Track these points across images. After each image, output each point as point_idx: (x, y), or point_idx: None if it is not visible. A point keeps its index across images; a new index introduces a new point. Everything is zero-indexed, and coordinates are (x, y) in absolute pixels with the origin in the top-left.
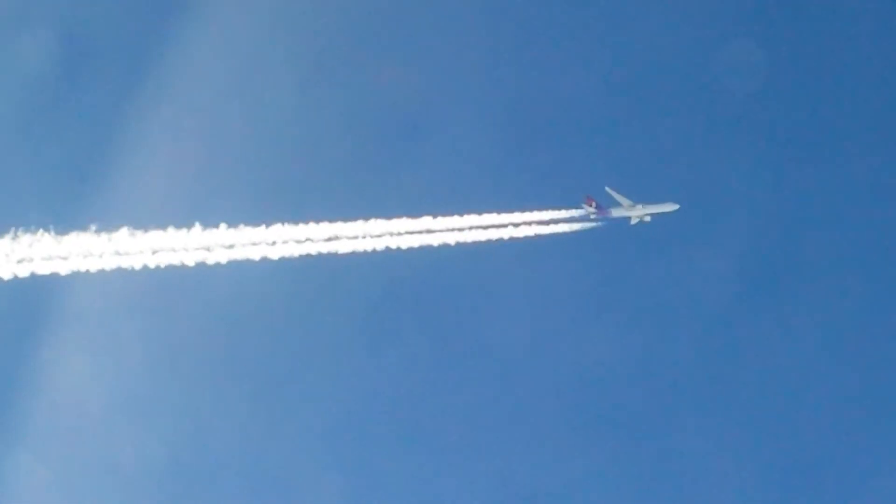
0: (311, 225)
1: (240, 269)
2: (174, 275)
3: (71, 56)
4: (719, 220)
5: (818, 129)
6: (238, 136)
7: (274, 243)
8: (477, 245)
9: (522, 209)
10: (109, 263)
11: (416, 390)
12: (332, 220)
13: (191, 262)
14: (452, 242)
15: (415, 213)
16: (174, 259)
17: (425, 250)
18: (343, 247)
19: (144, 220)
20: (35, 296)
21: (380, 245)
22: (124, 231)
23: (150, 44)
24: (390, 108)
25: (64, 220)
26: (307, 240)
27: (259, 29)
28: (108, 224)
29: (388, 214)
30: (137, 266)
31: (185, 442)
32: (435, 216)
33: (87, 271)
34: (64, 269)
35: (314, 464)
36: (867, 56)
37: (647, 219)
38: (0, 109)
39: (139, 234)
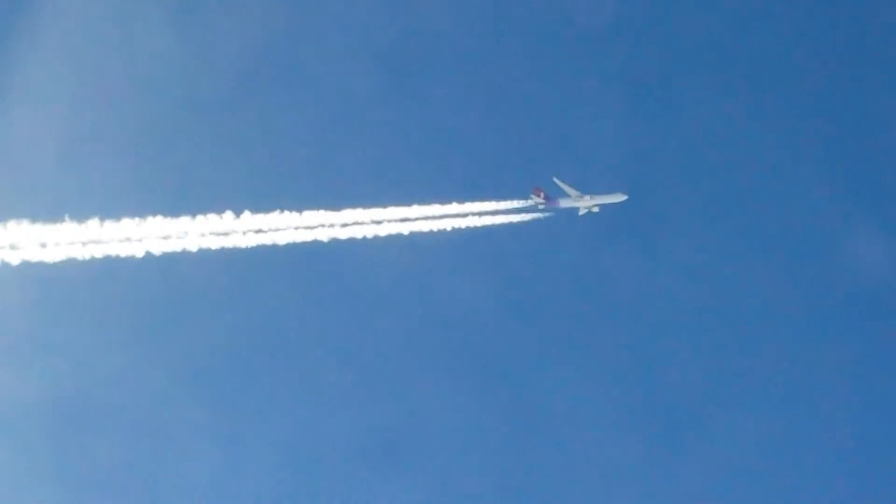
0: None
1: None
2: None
3: None
4: (669, 210)
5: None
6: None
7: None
8: (425, 235)
9: (470, 199)
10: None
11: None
12: (271, 210)
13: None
14: (403, 232)
15: (363, 203)
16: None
17: (373, 241)
18: (285, 237)
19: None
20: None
21: (325, 235)
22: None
23: None
24: (336, 99)
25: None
26: (235, 231)
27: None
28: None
29: (335, 205)
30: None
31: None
32: (384, 206)
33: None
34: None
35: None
36: None
37: (596, 209)
38: None
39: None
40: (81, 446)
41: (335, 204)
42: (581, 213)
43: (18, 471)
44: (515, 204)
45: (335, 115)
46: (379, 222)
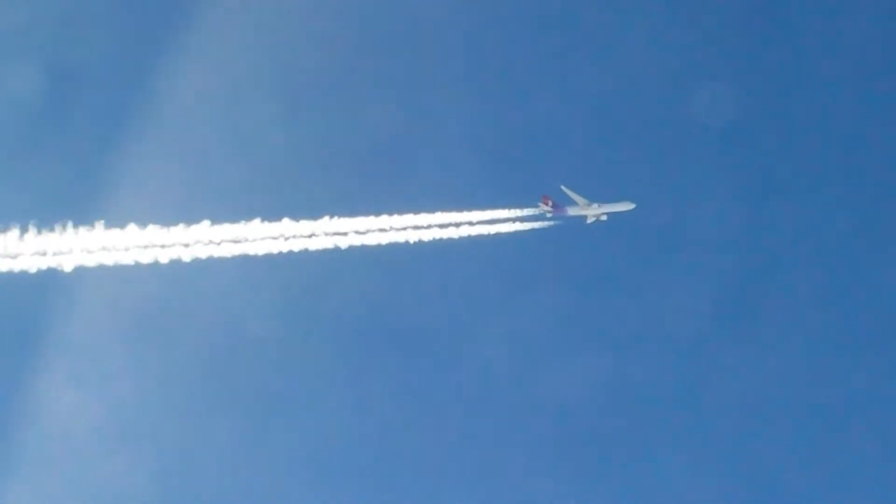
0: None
1: (276, 264)
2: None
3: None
4: (677, 218)
5: (767, 124)
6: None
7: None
8: (434, 243)
9: (479, 208)
10: (115, 259)
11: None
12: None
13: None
14: (410, 240)
15: (371, 211)
16: (179, 254)
17: (381, 248)
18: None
19: (151, 217)
20: (43, 289)
21: (338, 243)
22: (131, 227)
23: (150, 46)
24: (349, 109)
25: (72, 217)
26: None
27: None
28: (115, 221)
29: (346, 213)
30: (144, 261)
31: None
32: (391, 214)
33: (94, 266)
34: (70, 263)
35: (308, 485)
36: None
37: (604, 217)
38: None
39: (146, 229)
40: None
41: (343, 211)
42: (589, 221)
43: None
44: (524, 212)
45: (336, 119)
46: (387, 230)
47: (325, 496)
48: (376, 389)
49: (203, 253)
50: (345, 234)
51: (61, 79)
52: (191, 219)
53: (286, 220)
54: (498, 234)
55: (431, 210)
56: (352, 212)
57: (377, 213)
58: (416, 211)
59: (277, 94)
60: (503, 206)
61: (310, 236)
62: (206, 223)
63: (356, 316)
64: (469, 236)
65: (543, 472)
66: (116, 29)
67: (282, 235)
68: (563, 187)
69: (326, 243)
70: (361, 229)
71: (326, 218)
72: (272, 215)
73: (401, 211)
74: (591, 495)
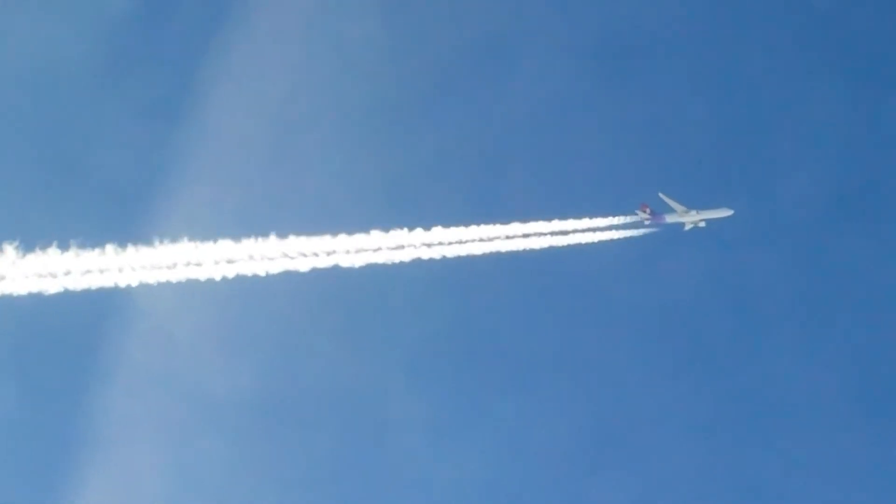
0: (364, 235)
1: (396, 271)
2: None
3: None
4: (774, 224)
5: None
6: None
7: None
8: (535, 252)
9: (579, 216)
10: (177, 275)
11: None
12: (391, 228)
13: (263, 272)
14: (513, 249)
15: (476, 221)
16: (244, 269)
17: (486, 258)
18: (407, 255)
19: (212, 232)
20: (101, 307)
21: (446, 253)
22: (188, 243)
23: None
24: (447, 118)
25: (129, 235)
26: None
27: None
28: (174, 236)
29: (451, 223)
30: (208, 277)
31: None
32: (495, 224)
33: (152, 283)
34: (129, 280)
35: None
36: None
37: (702, 224)
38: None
39: (206, 244)
40: (295, 440)
41: (435, 222)
42: (687, 227)
43: (235, 464)
44: (623, 220)
45: (428, 129)
46: (492, 239)
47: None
48: (474, 396)
49: (281, 266)
50: (437, 244)
51: (116, 88)
52: (270, 232)
53: (375, 232)
54: (599, 242)
55: (529, 219)
56: (445, 222)
57: (480, 223)
58: (514, 220)
59: (360, 102)
60: (603, 215)
61: (401, 247)
62: (290, 237)
63: (461, 324)
64: (568, 245)
65: None
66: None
67: (371, 247)
68: (661, 194)
69: (416, 254)
70: (463, 239)
71: (419, 230)
72: (363, 226)
73: (501, 221)
74: None
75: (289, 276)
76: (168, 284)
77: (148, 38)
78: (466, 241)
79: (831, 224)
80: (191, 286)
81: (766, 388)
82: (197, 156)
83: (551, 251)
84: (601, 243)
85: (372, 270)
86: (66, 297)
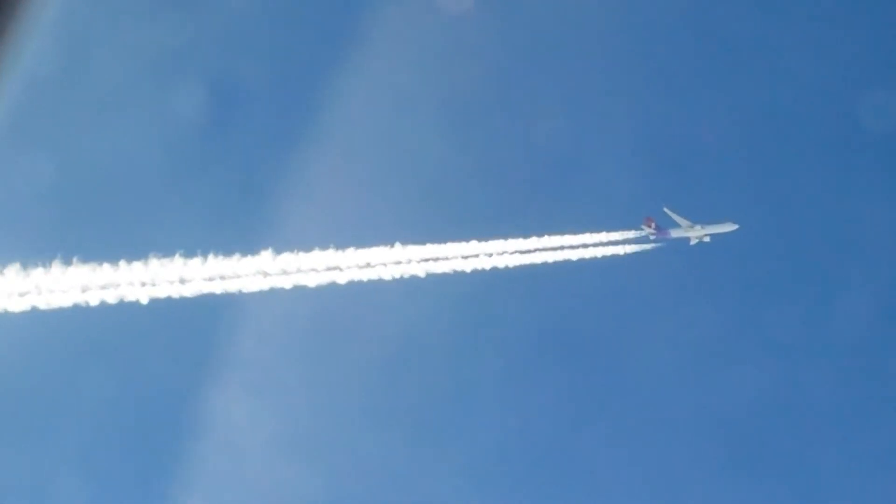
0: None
1: (405, 287)
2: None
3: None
4: (780, 239)
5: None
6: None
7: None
8: (537, 267)
9: (581, 231)
10: (282, 283)
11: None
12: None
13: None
14: (513, 265)
15: (479, 236)
16: (344, 278)
17: (486, 273)
18: (406, 271)
19: (315, 242)
20: (208, 314)
21: (447, 269)
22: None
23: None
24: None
25: (237, 245)
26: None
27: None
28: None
29: (447, 238)
30: (312, 285)
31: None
32: (496, 239)
33: (261, 290)
34: (238, 287)
35: (477, 495)
36: None
37: (707, 239)
38: (171, 139)
39: (311, 254)
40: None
41: (447, 238)
42: (692, 242)
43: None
44: (627, 235)
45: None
46: (492, 255)
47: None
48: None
49: (367, 275)
50: (440, 260)
51: (225, 101)
52: (355, 243)
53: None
54: (602, 258)
55: (531, 234)
56: (444, 239)
57: (483, 239)
58: (517, 236)
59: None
60: (606, 230)
61: (402, 263)
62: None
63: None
64: (572, 260)
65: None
66: (279, 48)
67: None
68: (665, 209)
69: (417, 270)
70: (467, 254)
71: (418, 246)
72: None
73: (502, 236)
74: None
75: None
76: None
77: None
78: (467, 258)
79: (839, 238)
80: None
81: (773, 396)
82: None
83: (554, 266)
84: (606, 258)
85: (374, 287)
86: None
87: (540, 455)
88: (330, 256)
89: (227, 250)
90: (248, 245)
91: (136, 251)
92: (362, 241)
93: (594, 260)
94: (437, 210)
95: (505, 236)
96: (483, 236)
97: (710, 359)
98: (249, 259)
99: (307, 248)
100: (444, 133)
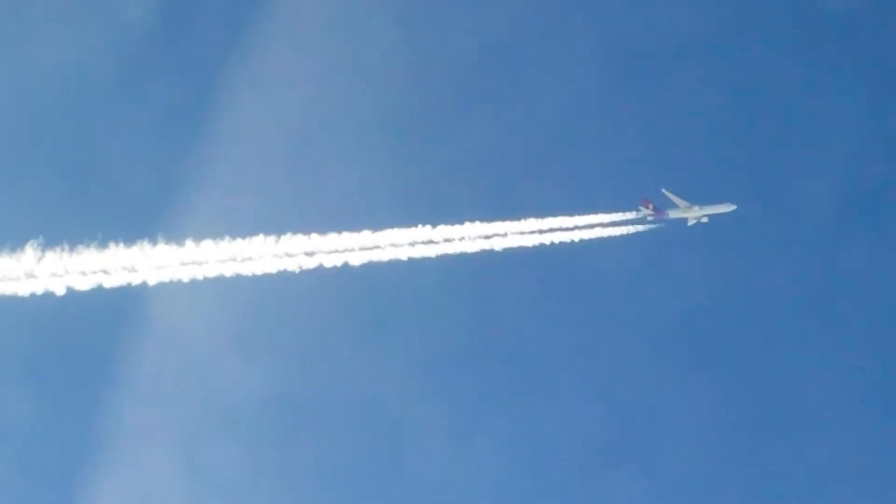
0: (371, 233)
1: (399, 270)
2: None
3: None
4: (778, 219)
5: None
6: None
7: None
8: (535, 249)
9: (580, 212)
10: (189, 273)
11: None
12: (395, 226)
13: (273, 270)
14: (513, 246)
15: (479, 217)
16: (256, 268)
17: (487, 254)
18: (408, 253)
19: (227, 230)
20: (118, 306)
21: (446, 251)
22: (209, 242)
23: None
24: (447, 111)
25: (147, 232)
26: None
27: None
28: (193, 235)
29: (454, 220)
30: (216, 275)
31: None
32: (495, 220)
33: (167, 281)
34: (144, 279)
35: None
36: None
37: (705, 220)
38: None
39: (221, 243)
40: (311, 443)
41: (439, 220)
42: (690, 223)
43: (246, 466)
44: (625, 216)
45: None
46: (492, 236)
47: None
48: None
49: (294, 265)
50: (439, 242)
51: (135, 93)
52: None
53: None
54: (601, 239)
55: (531, 216)
56: (458, 219)
57: (485, 220)
58: (517, 217)
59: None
60: (605, 211)
61: (405, 245)
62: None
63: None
64: (571, 241)
65: None
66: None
67: (378, 245)
68: (663, 190)
69: (418, 253)
70: (468, 236)
71: (421, 227)
72: (373, 224)
73: (502, 218)
74: None
75: (302, 275)
76: (180, 283)
77: (167, 46)
78: (466, 239)
79: (838, 221)
80: (203, 285)
81: (773, 387)
82: (214, 160)
83: (553, 248)
84: (605, 239)
85: (375, 268)
86: (79, 296)
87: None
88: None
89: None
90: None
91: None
92: (355, 224)
93: (592, 241)
94: (433, 192)
95: (502, 218)
96: (480, 218)
97: (710, 336)
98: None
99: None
100: (440, 114)
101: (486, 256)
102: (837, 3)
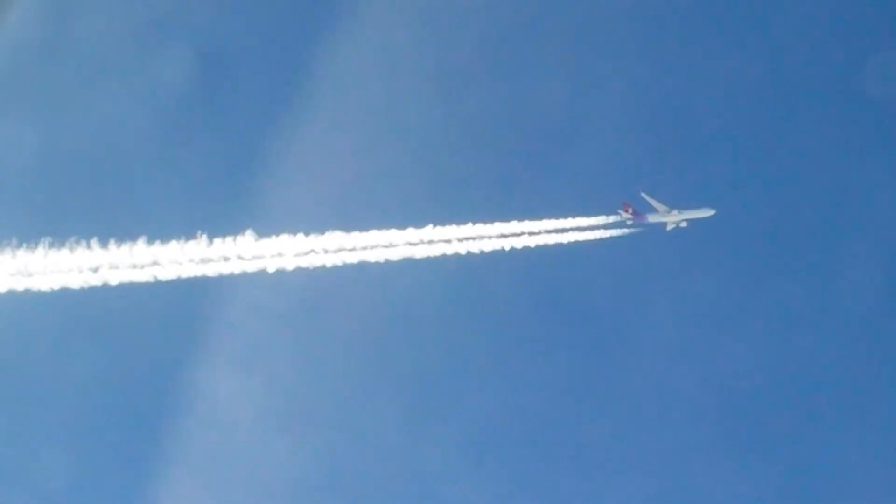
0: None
1: (386, 271)
2: (328, 276)
3: (214, 66)
4: (757, 225)
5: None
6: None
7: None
8: (514, 252)
9: (559, 216)
10: (264, 266)
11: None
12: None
13: (342, 263)
14: (489, 249)
15: (456, 220)
16: (326, 261)
17: (463, 258)
18: (385, 255)
19: (296, 225)
20: (191, 298)
21: (433, 252)
22: (280, 236)
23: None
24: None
25: (219, 227)
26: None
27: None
28: (262, 230)
29: (427, 223)
30: (292, 268)
31: (335, 452)
32: (473, 223)
33: (244, 273)
34: (222, 271)
35: (465, 475)
36: None
37: (684, 224)
38: (150, 119)
39: (292, 237)
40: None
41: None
42: (668, 228)
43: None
44: (604, 220)
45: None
46: (468, 239)
47: (487, 479)
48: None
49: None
50: (416, 244)
51: (210, 74)
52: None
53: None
54: (580, 242)
55: (509, 219)
56: (434, 221)
57: (460, 223)
58: (495, 220)
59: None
60: (584, 215)
61: (383, 247)
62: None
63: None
64: (550, 245)
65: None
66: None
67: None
68: (643, 194)
69: (397, 255)
70: (442, 238)
71: (397, 230)
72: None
73: (480, 221)
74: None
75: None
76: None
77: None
78: (439, 242)
79: (817, 226)
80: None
81: (753, 386)
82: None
83: (530, 251)
84: (583, 243)
85: (352, 270)
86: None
87: (525, 432)
88: (312, 240)
89: (213, 231)
90: (232, 226)
91: (120, 232)
92: (343, 224)
93: (571, 245)
94: (416, 194)
95: (482, 221)
96: (460, 220)
97: (691, 341)
98: (232, 241)
99: (291, 230)
100: (425, 117)
101: (464, 260)
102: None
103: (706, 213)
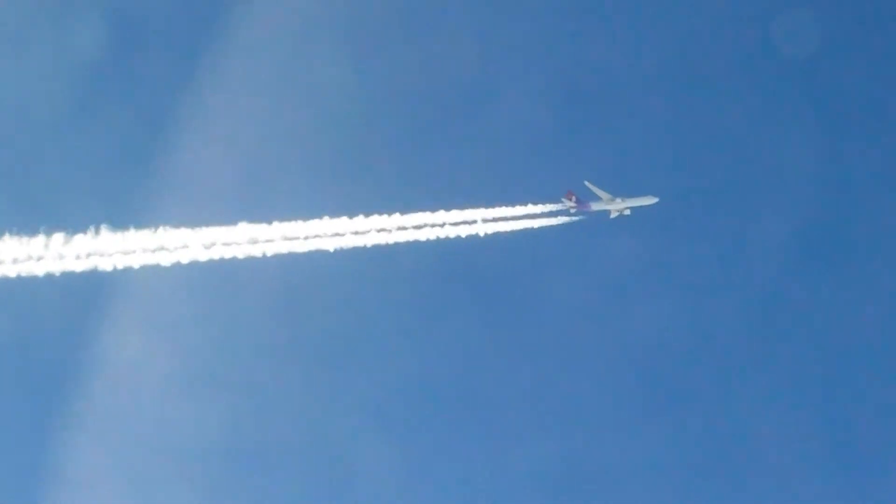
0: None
1: (286, 262)
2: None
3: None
4: (699, 212)
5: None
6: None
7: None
8: (458, 240)
9: (502, 204)
10: (161, 259)
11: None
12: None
13: (240, 256)
14: (434, 237)
15: (399, 209)
16: (224, 253)
17: (408, 245)
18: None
19: (196, 218)
20: (88, 291)
21: (368, 241)
22: (178, 229)
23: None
24: (375, 104)
25: (117, 219)
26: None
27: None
28: (161, 221)
29: (373, 211)
30: (188, 261)
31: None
32: (414, 212)
33: (139, 266)
34: (117, 264)
35: (369, 443)
36: None
37: (627, 212)
38: (51, 107)
39: (191, 230)
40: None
41: (359, 211)
42: (612, 216)
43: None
44: (548, 208)
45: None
46: (409, 228)
47: (395, 441)
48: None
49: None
50: (364, 233)
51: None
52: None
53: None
54: (523, 231)
55: (452, 207)
56: (366, 211)
57: (404, 212)
58: (437, 209)
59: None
60: (527, 203)
61: (323, 236)
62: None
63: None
64: (493, 233)
65: None
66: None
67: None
68: (586, 182)
69: (339, 243)
70: (388, 227)
71: (355, 217)
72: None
73: (419, 209)
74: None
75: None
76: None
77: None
78: (383, 231)
79: (760, 213)
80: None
81: (693, 375)
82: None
83: (474, 240)
84: (526, 231)
85: (292, 259)
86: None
87: (432, 399)
88: (241, 230)
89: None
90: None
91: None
92: (273, 214)
93: (514, 233)
94: (356, 183)
95: (424, 209)
96: (402, 209)
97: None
98: (141, 234)
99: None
100: (362, 106)
101: (409, 247)
102: None
103: (649, 200)
